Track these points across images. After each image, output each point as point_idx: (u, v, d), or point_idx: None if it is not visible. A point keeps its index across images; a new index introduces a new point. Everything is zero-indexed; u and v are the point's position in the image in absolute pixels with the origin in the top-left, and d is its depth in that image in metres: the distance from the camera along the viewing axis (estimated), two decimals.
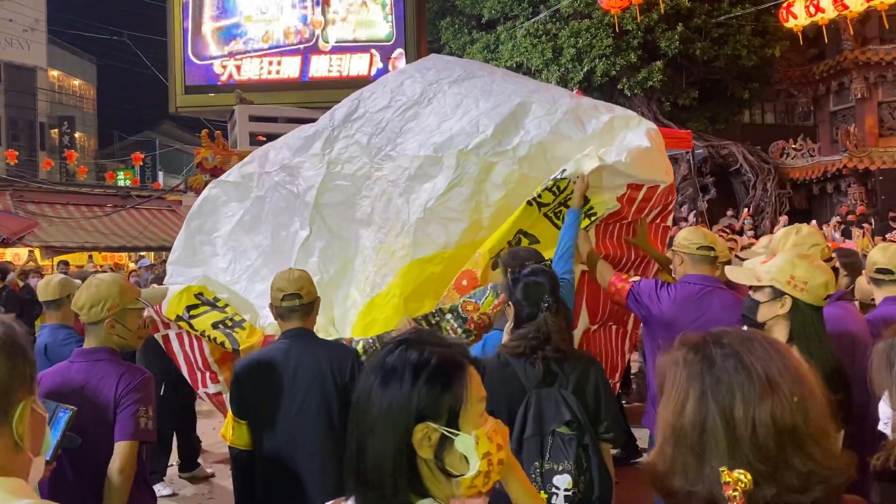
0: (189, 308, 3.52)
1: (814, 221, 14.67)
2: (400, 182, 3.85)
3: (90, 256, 18.00)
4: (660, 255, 4.01)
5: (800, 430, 1.11)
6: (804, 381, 1.15)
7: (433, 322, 3.47)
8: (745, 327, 1.90)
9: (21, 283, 9.10)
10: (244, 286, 3.91)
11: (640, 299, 3.29)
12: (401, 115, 4.09)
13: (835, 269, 3.03)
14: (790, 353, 1.19)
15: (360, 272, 3.85)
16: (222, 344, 3.40)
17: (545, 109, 3.87)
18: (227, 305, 3.58)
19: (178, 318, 3.52)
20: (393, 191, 3.87)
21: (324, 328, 3.59)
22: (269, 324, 3.50)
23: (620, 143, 3.70)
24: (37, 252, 17.46)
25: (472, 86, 4.17)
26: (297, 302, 2.93)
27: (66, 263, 12.74)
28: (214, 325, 3.45)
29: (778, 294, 2.38)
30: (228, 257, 4.01)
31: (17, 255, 17.12)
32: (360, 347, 3.40)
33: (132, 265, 16.85)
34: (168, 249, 20.20)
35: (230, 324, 3.46)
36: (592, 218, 3.66)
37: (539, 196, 3.56)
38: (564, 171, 3.55)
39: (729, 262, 4.00)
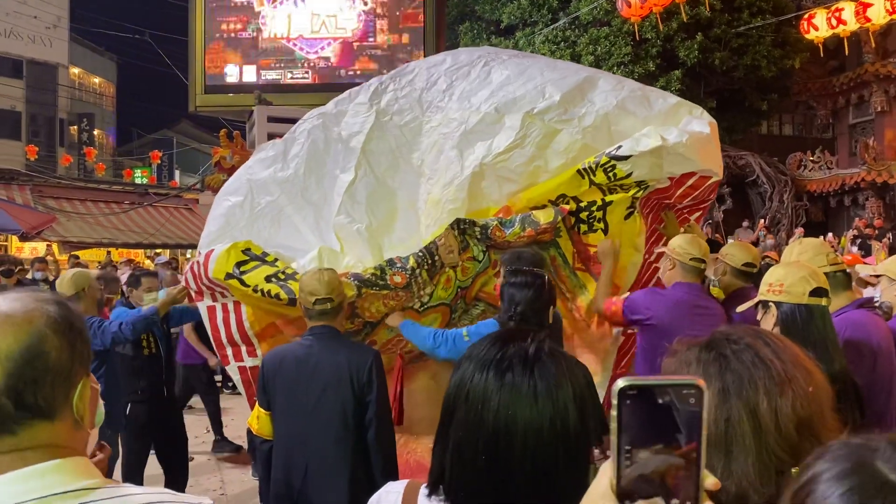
0: (239, 264, 3.43)
1: (830, 234, 14.60)
2: (454, 135, 3.81)
3: (108, 252, 18.14)
4: None
5: (815, 421, 1.13)
6: (813, 373, 1.17)
7: (462, 227, 3.54)
8: None
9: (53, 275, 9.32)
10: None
11: (636, 310, 3.39)
12: (454, 72, 4.11)
13: (846, 275, 3.03)
14: (795, 346, 1.22)
15: (409, 222, 3.80)
16: (277, 296, 3.31)
17: (611, 85, 3.87)
18: (276, 260, 3.49)
19: (229, 275, 3.41)
20: (445, 143, 3.84)
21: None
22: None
23: (682, 126, 3.68)
24: (55, 247, 17.62)
25: (535, 59, 4.25)
26: (329, 305, 2.98)
27: (77, 258, 12.95)
28: (268, 279, 3.37)
29: (765, 306, 2.39)
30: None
31: (34, 250, 17.29)
32: (412, 261, 3.44)
33: (148, 262, 16.95)
34: (184, 247, 20.20)
35: (283, 277, 3.37)
36: (644, 187, 3.67)
37: (593, 172, 3.57)
38: (621, 146, 3.54)
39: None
